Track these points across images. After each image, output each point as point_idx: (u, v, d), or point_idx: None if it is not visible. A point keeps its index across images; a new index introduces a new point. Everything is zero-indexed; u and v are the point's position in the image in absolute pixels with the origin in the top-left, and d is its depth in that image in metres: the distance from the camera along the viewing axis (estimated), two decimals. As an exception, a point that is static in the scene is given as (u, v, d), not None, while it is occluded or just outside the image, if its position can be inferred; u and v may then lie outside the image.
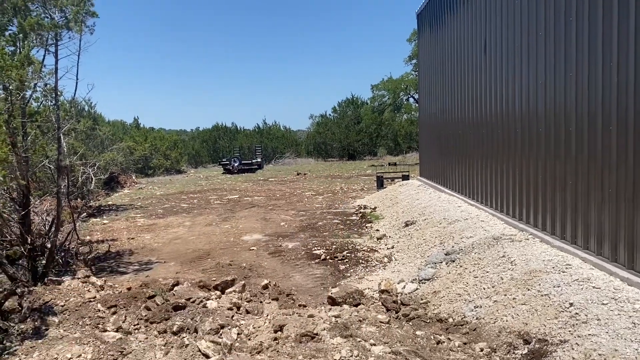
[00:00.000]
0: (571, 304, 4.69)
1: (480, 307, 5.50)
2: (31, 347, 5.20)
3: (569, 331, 4.35)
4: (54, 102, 8.08)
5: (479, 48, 9.96)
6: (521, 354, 4.43)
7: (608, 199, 5.51)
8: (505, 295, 5.46)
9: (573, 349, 4.10)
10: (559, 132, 6.67)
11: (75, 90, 8.23)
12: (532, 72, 7.46)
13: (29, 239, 7.48)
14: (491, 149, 9.39)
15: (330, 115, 44.16)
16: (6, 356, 5.01)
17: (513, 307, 5.16)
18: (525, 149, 7.78)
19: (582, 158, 6.06)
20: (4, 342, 5.36)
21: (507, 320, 5.00)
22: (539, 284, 5.31)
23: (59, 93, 8.16)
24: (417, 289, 6.76)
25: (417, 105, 31.79)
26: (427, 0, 14.57)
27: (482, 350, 4.60)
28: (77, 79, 7.84)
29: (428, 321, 5.48)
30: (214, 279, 7.27)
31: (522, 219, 7.90)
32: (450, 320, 5.50)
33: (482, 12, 9.74)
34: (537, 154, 7.37)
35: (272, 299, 6.41)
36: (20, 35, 7.71)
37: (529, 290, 5.32)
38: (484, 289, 5.84)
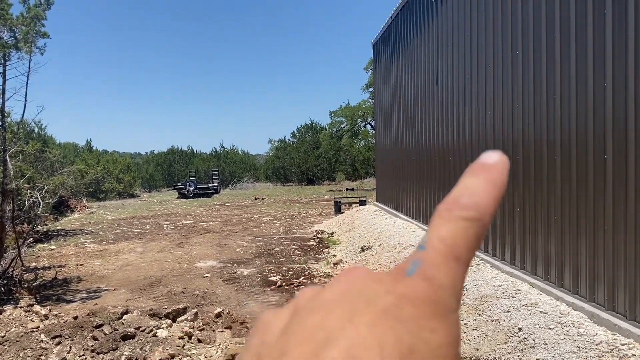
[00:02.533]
0: (520, 329, 4.80)
1: (433, 332, 5.55)
2: (-35, 383, 4.91)
3: (518, 356, 4.44)
4: (0, 123, 7.82)
5: (432, 78, 10.27)
6: (472, 380, 4.48)
7: (554, 225, 5.72)
8: (457, 320, 5.54)
9: (521, 373, 4.19)
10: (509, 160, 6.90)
11: (24, 112, 8.03)
12: (482, 102, 7.73)
13: (-32, 266, 7.12)
14: (444, 176, 9.62)
15: (289, 140, 44.37)
16: (-63, 392, 4.70)
17: (465, 332, 5.24)
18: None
19: (529, 186, 6.29)
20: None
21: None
22: (490, 309, 5.42)
23: (6, 114, 7.92)
24: (371, 315, 6.76)
25: (373, 131, 32.35)
26: (382, 31, 14.97)
27: (434, 376, 4.63)
28: (25, 100, 7.64)
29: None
30: (165, 307, 7.08)
31: (474, 244, 8.07)
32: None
33: (434, 44, 10.08)
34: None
35: (225, 328, 6.29)
36: (-34, 54, 7.47)
37: (480, 315, 5.42)
38: (437, 314, 5.90)
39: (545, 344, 4.42)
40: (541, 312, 5.06)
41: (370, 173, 37.59)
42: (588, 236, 5.08)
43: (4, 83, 7.44)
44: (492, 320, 5.18)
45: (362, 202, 18.13)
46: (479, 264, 7.19)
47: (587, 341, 4.30)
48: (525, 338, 4.63)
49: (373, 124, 32.44)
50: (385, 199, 15.34)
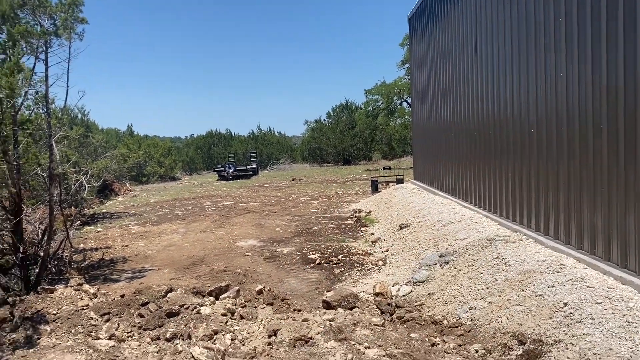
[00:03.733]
0: (565, 304, 4.68)
1: (475, 308, 5.49)
2: (22, 357, 5.15)
3: (564, 331, 4.34)
4: (45, 109, 8.04)
5: (470, 49, 9.99)
6: (516, 355, 4.42)
7: (601, 198, 5.52)
8: (499, 296, 5.45)
9: (568, 348, 4.09)
10: (550, 132, 6.69)
11: (66, 98, 8.21)
12: (523, 73, 7.48)
13: (22, 248, 7.43)
14: (484, 151, 9.40)
15: (324, 120, 44.26)
16: (-3, 366, 4.96)
17: (507, 308, 5.15)
18: (518, 150, 7.80)
19: (574, 158, 6.08)
20: (-4, 351, 5.30)
21: (501, 321, 4.99)
22: (533, 285, 5.30)
23: (50, 100, 8.13)
24: (411, 291, 6.74)
25: (410, 109, 31.93)
26: (418, 4, 14.63)
27: (477, 351, 4.58)
28: (67, 86, 7.82)
29: (423, 323, 5.46)
30: (208, 285, 7.22)
31: (515, 220, 7.91)
32: (445, 322, 5.49)
33: (472, 13, 9.78)
34: (529, 155, 7.38)
35: (267, 304, 6.37)
36: (10, 43, 7.68)
37: (523, 290, 5.31)
38: (478, 290, 5.83)
39: (593, 318, 4.30)
40: (587, 286, 4.91)
41: (407, 152, 37.20)
42: (637, 208, 4.88)
43: (46, 70, 7.62)
44: (536, 296, 5.07)
45: (400, 181, 17.99)
46: (521, 240, 7.04)
47: (637, 315, 4.15)
48: (571, 313, 4.51)
49: (409, 101, 31.98)
50: (423, 176, 15.15)
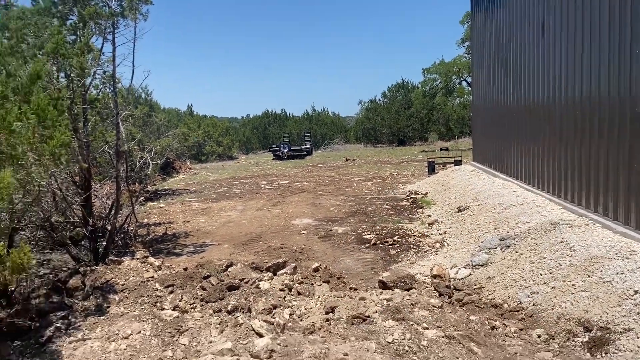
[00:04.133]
0: (636, 292, 4.48)
1: (537, 293, 5.34)
2: (94, 323, 5.44)
3: (634, 319, 4.16)
4: (112, 89, 8.36)
5: (537, 28, 9.56)
6: (582, 342, 4.28)
7: (678, 182, 5.21)
8: (563, 281, 5.28)
9: (638, 337, 3.93)
10: (624, 113, 6.34)
11: (132, 77, 8.48)
12: (595, 52, 7.10)
13: (91, 221, 7.81)
14: (549, 132, 9.04)
15: (379, 100, 43.71)
16: (71, 330, 5.27)
17: (572, 293, 4.99)
18: (586, 132, 7.44)
19: (650, 139, 5.75)
20: (69, 317, 5.63)
21: (565, 307, 4.84)
22: (601, 271, 5.10)
23: (116, 80, 8.44)
24: (470, 274, 6.63)
25: (470, 88, 31.05)
26: (481, -21, 14.10)
27: (539, 336, 4.48)
28: (133, 65, 8.06)
29: (482, 306, 5.37)
30: (266, 261, 7.38)
31: (581, 204, 7.59)
32: (506, 306, 5.38)
33: (540, -11, 9.33)
34: (599, 137, 7.03)
35: (323, 282, 6.45)
36: (80, 24, 8.00)
37: (589, 276, 5.12)
38: (541, 275, 5.66)
39: (667, 308, 4.10)
40: (661, 275, 4.68)
41: (465, 132, 36.29)
42: None
43: (114, 50, 7.90)
44: (604, 282, 4.87)
45: (458, 162, 17.60)
46: (588, 224, 6.76)
47: None
48: (642, 301, 4.32)
49: (469, 80, 31.09)
50: (483, 158, 14.76)
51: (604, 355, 4.02)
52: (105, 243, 8.00)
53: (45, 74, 6.42)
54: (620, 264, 5.11)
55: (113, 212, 8.33)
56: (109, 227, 8.24)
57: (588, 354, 4.12)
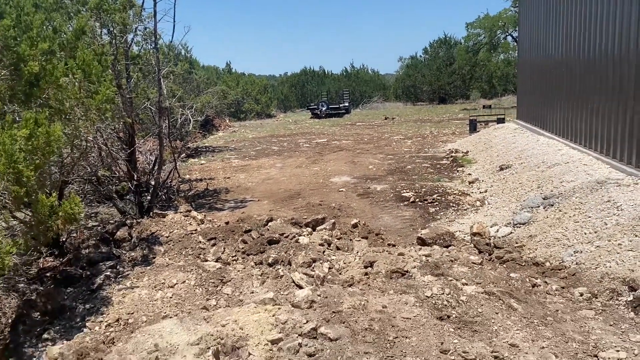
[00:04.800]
0: (686, 252, 4.34)
1: (581, 252, 5.24)
2: (141, 273, 5.68)
3: (683, 280, 4.05)
4: (153, 45, 8.42)
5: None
6: (626, 301, 4.20)
7: None
8: (609, 240, 5.15)
9: (687, 298, 3.83)
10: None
11: (173, 33, 8.52)
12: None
13: (135, 176, 8.04)
14: (599, 88, 8.64)
15: (420, 56, 42.61)
16: (120, 279, 5.51)
17: (618, 253, 4.87)
18: (639, 88, 7.09)
19: None
20: (118, 267, 5.89)
21: (610, 266, 4.74)
22: (650, 230, 4.94)
23: (158, 36, 8.48)
24: (511, 232, 6.55)
25: (515, 44, 29.83)
26: None
27: (581, 295, 4.41)
28: (174, 21, 8.08)
29: (523, 264, 5.32)
30: (305, 217, 7.47)
31: (630, 162, 7.31)
32: (547, 264, 5.31)
33: None
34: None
35: (362, 237, 6.50)
36: (122, -21, 8.02)
37: (636, 236, 4.98)
38: (585, 234, 5.54)
39: None
40: None
41: (508, 90, 35.15)
42: None
43: (155, 5, 7.90)
44: (652, 242, 4.73)
45: (500, 120, 17.14)
46: (637, 183, 6.52)
47: None
48: (693, 262, 4.18)
49: (515, 35, 29.85)
50: (528, 116, 14.31)
51: (649, 314, 3.94)
52: (149, 197, 8.24)
53: (89, 29, 6.52)
54: (671, 224, 4.94)
55: (156, 167, 8.54)
56: (152, 182, 8.47)
57: (632, 312, 4.05)
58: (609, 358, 3.42)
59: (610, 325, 3.88)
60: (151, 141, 11.26)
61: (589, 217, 5.87)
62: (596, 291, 4.47)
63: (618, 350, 3.50)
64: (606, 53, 8.41)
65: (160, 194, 8.81)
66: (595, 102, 8.84)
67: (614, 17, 8.03)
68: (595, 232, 5.46)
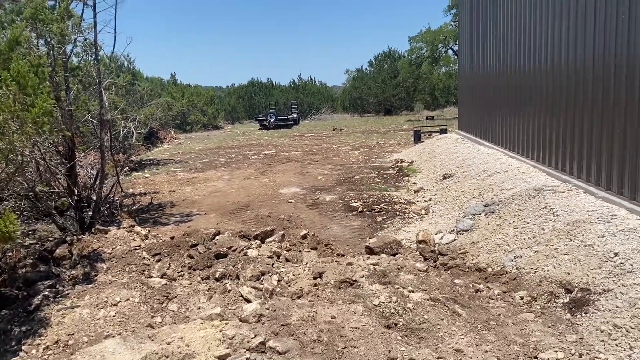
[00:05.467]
0: (616, 254, 4.59)
1: (520, 257, 5.45)
2: (82, 291, 5.46)
3: (613, 280, 4.28)
4: (94, 56, 8.18)
5: (524, -7, 9.49)
6: (562, 303, 4.40)
7: (659, 147, 5.29)
8: (546, 245, 5.39)
9: (617, 297, 4.04)
10: (608, 80, 6.37)
11: (114, 44, 8.33)
12: (580, 16, 7.08)
13: (76, 191, 7.75)
14: (534, 99, 9.07)
15: (366, 69, 43.36)
16: (60, 299, 5.28)
17: (555, 257, 5.10)
18: (571, 99, 7.49)
19: (633, 106, 5.80)
20: (57, 286, 5.64)
21: (548, 270, 4.95)
22: (583, 235, 5.21)
23: (98, 47, 8.25)
24: (454, 239, 6.74)
25: (456, 57, 30.88)
26: (469, -56, 13.90)
27: (522, 298, 4.59)
28: (115, 32, 7.89)
29: (466, 270, 5.48)
30: (254, 229, 7.41)
31: (565, 170, 7.69)
32: (489, 269, 5.49)
33: (528, -46, 9.23)
34: (583, 104, 7.08)
35: (311, 248, 6.51)
36: (59, -12, 7.77)
37: (571, 240, 5.23)
38: (524, 239, 5.77)
39: (645, 269, 4.21)
40: (640, 237, 4.79)
41: (450, 102, 36.26)
42: (700, 158, 4.66)
43: (95, 16, 7.69)
44: (585, 245, 4.98)
45: (443, 131, 17.66)
46: (571, 190, 6.86)
47: (693, 267, 4.04)
48: (621, 263, 4.43)
49: (456, 48, 30.90)
50: (468, 126, 14.81)
51: (583, 315, 4.14)
52: (91, 213, 7.96)
53: (24, 40, 6.26)
54: (602, 228, 5.22)
55: (98, 181, 8.26)
56: (94, 197, 8.18)
57: (569, 314, 4.24)
58: (547, 359, 3.56)
59: (549, 327, 4.04)
60: (92, 155, 10.89)
61: (528, 223, 6.12)
62: (535, 294, 4.65)
63: (556, 351, 3.65)
64: (537, 67, 8.84)
65: (102, 209, 8.52)
66: (530, 113, 9.26)
67: (538, 33, 8.47)
68: (534, 238, 5.70)
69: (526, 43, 9.48)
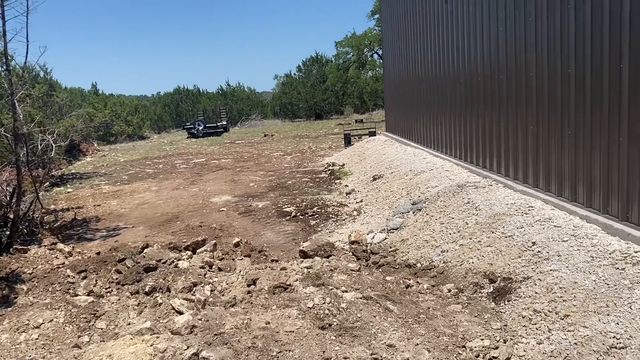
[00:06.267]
0: (534, 243, 4.87)
1: (447, 251, 5.67)
2: (0, 315, 5.14)
3: (532, 268, 4.53)
4: (4, 67, 7.73)
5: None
6: (487, 293, 4.61)
7: (568, 141, 5.66)
8: (470, 239, 5.63)
9: (536, 284, 4.29)
10: (519, 79, 6.76)
11: (27, 54, 7.88)
12: (493, 20, 7.48)
13: (-10, 210, 7.27)
14: (454, 100, 9.47)
15: (295, 74, 43.57)
16: (-25, 325, 4.93)
17: (478, 249, 5.34)
18: (488, 99, 7.88)
19: (542, 103, 6.18)
20: (-29, 312, 5.27)
21: (473, 262, 5.17)
22: (503, 227, 5.48)
23: (9, 57, 7.81)
24: (385, 238, 6.90)
25: (381, 61, 31.63)
26: (387, -49, 14.32)
27: (449, 291, 4.76)
28: (27, 40, 7.50)
29: (397, 267, 5.62)
30: (185, 240, 7.25)
31: (485, 166, 8.08)
32: (419, 265, 5.66)
33: (442, -39, 9.64)
34: (499, 102, 7.48)
35: (245, 256, 6.45)
36: (-38, -5, 7.28)
37: (493, 232, 5.49)
38: (450, 234, 6.00)
39: (559, 255, 4.50)
40: (555, 226, 5.11)
41: (378, 105, 37.09)
42: (602, 149, 5.04)
43: (3, 24, 7.27)
44: (506, 237, 5.25)
45: (372, 133, 18.03)
46: (491, 185, 7.21)
47: (600, 251, 4.35)
48: (539, 251, 4.70)
49: (380, 53, 31.67)
50: (395, 128, 15.23)
51: (506, 302, 4.36)
52: (8, 232, 7.49)
53: None
54: (520, 219, 5.52)
55: (15, 199, 7.80)
56: (11, 216, 7.72)
57: (493, 303, 4.45)
58: (475, 347, 3.72)
59: (475, 317, 4.22)
60: (8, 171, 10.26)
61: (453, 218, 6.37)
62: (462, 286, 4.85)
63: (482, 339, 3.82)
64: (453, 70, 9.25)
65: (21, 227, 8.03)
66: (451, 114, 9.66)
67: (453, 37, 8.88)
68: (459, 232, 5.94)
69: (443, 47, 9.88)
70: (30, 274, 6.20)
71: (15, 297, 5.63)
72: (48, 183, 13.21)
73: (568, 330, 3.62)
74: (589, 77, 5.18)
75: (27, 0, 7.34)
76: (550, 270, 4.35)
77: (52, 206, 11.26)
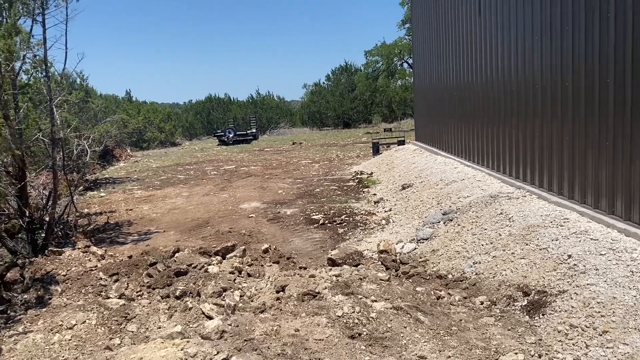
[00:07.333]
0: (569, 256, 4.74)
1: (479, 263, 5.56)
2: (35, 316, 5.25)
3: (568, 282, 4.41)
4: (44, 73, 7.95)
5: (474, 9, 9.81)
6: (521, 306, 4.50)
7: (605, 152, 5.52)
8: (503, 250, 5.52)
9: (572, 298, 4.17)
10: (555, 89, 6.63)
11: (65, 61, 8.08)
12: (528, 29, 7.37)
13: (27, 212, 7.46)
14: (488, 110, 9.35)
15: (324, 83, 43.68)
16: (11, 324, 5.06)
17: (512, 261, 5.22)
18: (522, 108, 7.75)
19: (579, 113, 6.05)
20: (8, 311, 5.40)
21: (506, 275, 5.06)
22: (537, 239, 5.36)
23: (49, 64, 8.03)
24: (415, 248, 6.82)
25: (411, 70, 31.51)
26: (419, -40, 14.29)
27: (482, 303, 4.67)
28: (66, 48, 7.70)
29: (428, 278, 5.55)
30: (214, 245, 7.30)
31: (519, 177, 7.93)
32: (450, 276, 5.57)
33: (476, -30, 9.56)
34: (533, 112, 7.34)
35: (273, 262, 6.46)
36: (6, 4, 7.55)
37: (527, 244, 5.37)
38: (483, 245, 5.90)
39: (597, 269, 4.36)
40: (591, 239, 4.97)
41: (407, 114, 36.88)
42: (643, 161, 4.89)
43: (44, 32, 7.49)
44: (540, 249, 5.13)
45: (401, 142, 17.93)
46: (525, 196, 7.07)
47: (640, 265, 4.21)
48: (575, 264, 4.58)
49: (410, 62, 31.55)
50: (425, 137, 15.11)
51: (541, 316, 4.25)
52: (44, 234, 7.68)
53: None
54: (555, 231, 5.39)
55: (51, 202, 7.98)
56: (47, 218, 7.90)
57: (527, 316, 4.35)
58: (508, 361, 3.63)
59: (509, 330, 4.13)
60: (45, 175, 10.52)
61: (485, 229, 6.26)
62: (495, 299, 4.75)
63: (516, 353, 3.73)
64: (487, 78, 9.13)
65: (56, 230, 8.22)
66: (484, 123, 9.53)
67: (487, 46, 8.77)
68: (491, 243, 5.83)
69: (475, 57, 9.78)
70: (64, 275, 6.33)
71: (50, 298, 5.75)
72: (82, 187, 13.51)
73: (607, 347, 3.50)
74: (629, 87, 5.04)
75: (66, 9, 7.55)
76: (588, 284, 4.22)
77: (86, 210, 11.51)
